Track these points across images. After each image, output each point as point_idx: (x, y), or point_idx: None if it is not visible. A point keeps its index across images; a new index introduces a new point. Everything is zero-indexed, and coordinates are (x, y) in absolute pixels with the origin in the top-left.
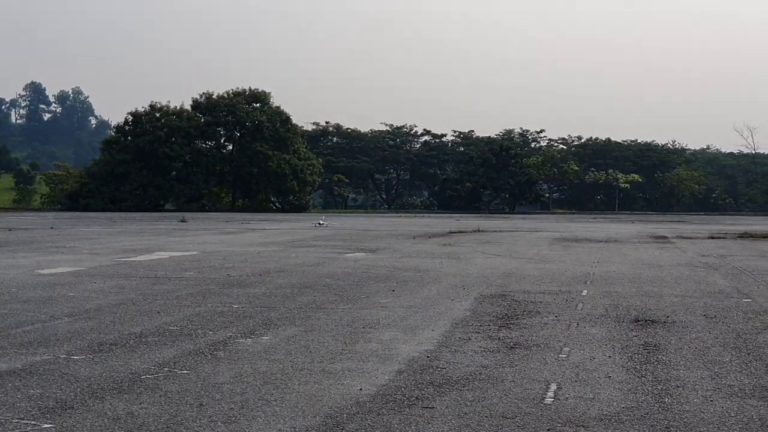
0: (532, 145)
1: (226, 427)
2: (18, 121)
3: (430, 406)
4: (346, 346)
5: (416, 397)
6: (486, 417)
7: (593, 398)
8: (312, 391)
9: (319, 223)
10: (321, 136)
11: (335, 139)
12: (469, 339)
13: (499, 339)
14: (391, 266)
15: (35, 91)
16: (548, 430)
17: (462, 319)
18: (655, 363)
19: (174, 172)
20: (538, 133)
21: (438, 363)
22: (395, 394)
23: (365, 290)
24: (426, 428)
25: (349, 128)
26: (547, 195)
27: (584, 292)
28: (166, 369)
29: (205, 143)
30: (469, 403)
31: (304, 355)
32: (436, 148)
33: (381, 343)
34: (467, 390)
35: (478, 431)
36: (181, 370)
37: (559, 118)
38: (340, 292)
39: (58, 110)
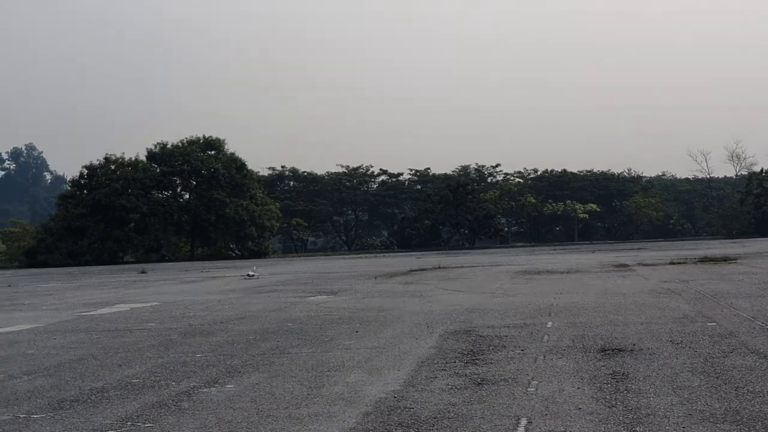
0: (489, 180)
1: None
2: None
3: None
4: (312, 390)
5: None
6: None
7: (564, 431)
8: None
9: (249, 275)
10: (278, 180)
11: (292, 183)
12: (436, 377)
13: (466, 375)
14: (353, 307)
15: None
16: None
17: (427, 357)
18: (625, 392)
19: (132, 224)
20: (493, 167)
21: (405, 403)
22: None
23: (328, 333)
24: None
25: (305, 171)
26: (506, 229)
27: (549, 324)
28: (129, 423)
29: (161, 193)
30: None
31: (270, 401)
32: (393, 188)
33: (347, 385)
34: (436, 429)
35: None
36: (144, 423)
37: (514, 152)
38: (303, 336)
39: (11, 167)
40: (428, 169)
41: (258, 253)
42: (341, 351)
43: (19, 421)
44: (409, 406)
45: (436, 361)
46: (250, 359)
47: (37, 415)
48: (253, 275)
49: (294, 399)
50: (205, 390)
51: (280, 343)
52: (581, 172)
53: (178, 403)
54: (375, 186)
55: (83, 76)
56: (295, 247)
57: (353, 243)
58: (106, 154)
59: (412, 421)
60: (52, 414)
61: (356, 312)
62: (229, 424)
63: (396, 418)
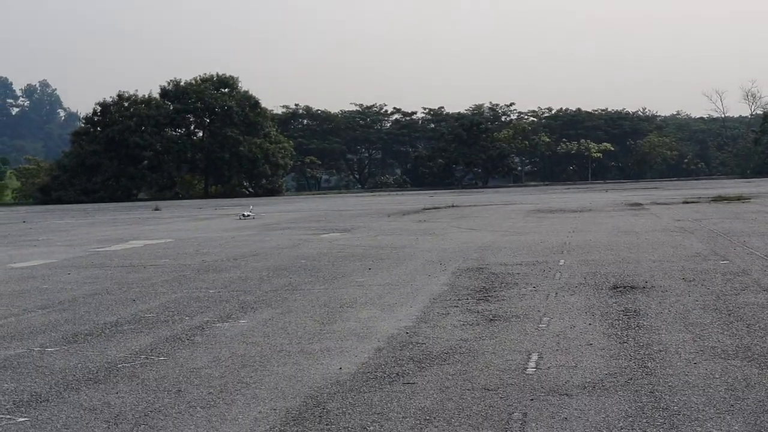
0: (503, 119)
1: (205, 412)
2: None
3: (411, 381)
4: (324, 326)
5: (397, 374)
6: (468, 390)
7: (575, 366)
8: (291, 373)
9: (243, 215)
10: (291, 119)
11: (306, 121)
12: (448, 313)
13: (478, 312)
14: (366, 245)
15: (2, 85)
16: (531, 400)
17: (440, 294)
18: (636, 328)
19: (145, 161)
20: (507, 106)
21: (417, 339)
22: (376, 372)
23: (341, 270)
24: (408, 404)
25: (319, 110)
26: (519, 168)
27: (561, 262)
28: (142, 357)
29: (175, 131)
30: (450, 377)
31: (282, 336)
32: (407, 126)
33: (359, 321)
34: (448, 364)
35: (461, 404)
36: (158, 357)
37: (529, 90)
38: (316, 273)
39: (25, 104)
40: (442, 107)
41: (271, 191)
42: (354, 288)
43: (33, 354)
44: (421, 341)
45: (448, 298)
46: (262, 295)
47: (51, 348)
48: (248, 215)
49: (306, 334)
50: (218, 325)
51: (292, 280)
52: (595, 111)
53: (192, 337)
54: (389, 124)
55: (97, 13)
56: (308, 185)
57: (366, 181)
58: (120, 91)
59: (424, 356)
60: (66, 347)
61: (369, 249)
62: (242, 358)
63: (408, 353)
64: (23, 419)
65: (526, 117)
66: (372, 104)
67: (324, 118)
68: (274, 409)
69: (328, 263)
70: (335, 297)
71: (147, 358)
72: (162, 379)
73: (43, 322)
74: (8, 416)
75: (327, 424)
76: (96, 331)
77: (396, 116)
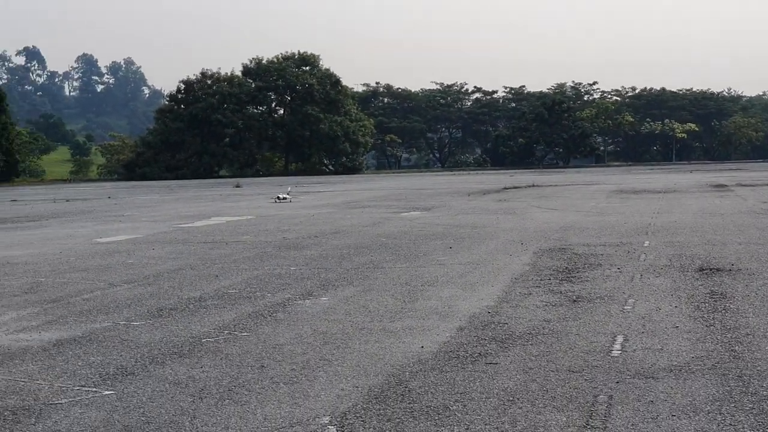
0: (585, 98)
1: (288, 388)
2: (72, 94)
3: (494, 362)
4: (406, 305)
5: (479, 354)
6: (552, 371)
7: (661, 349)
8: (373, 350)
9: (279, 198)
10: (372, 97)
11: (386, 99)
12: (530, 294)
13: (560, 293)
14: (447, 224)
15: (87, 63)
16: (617, 382)
17: (522, 274)
18: (723, 311)
19: (227, 139)
20: (590, 85)
21: (499, 318)
22: (458, 351)
23: (422, 248)
24: (491, 384)
25: (399, 88)
26: (601, 148)
27: (646, 243)
28: (226, 332)
29: (256, 108)
30: (533, 358)
31: (364, 314)
32: (488, 105)
33: (440, 300)
34: (531, 345)
35: (545, 386)
36: (241, 332)
37: (612, 69)
38: (397, 251)
39: (110, 81)
40: (523, 86)
41: (351, 169)
42: (435, 266)
43: (119, 327)
44: (503, 321)
45: (530, 278)
46: (343, 273)
47: (136, 322)
48: (285, 198)
49: (388, 312)
50: (299, 302)
51: (373, 258)
52: (680, 90)
53: (274, 314)
54: (469, 103)
55: None
56: (388, 164)
57: (446, 160)
58: (203, 69)
59: (506, 336)
60: (151, 321)
61: (450, 228)
62: (323, 335)
63: (490, 333)
64: (109, 392)
65: (609, 96)
66: (452, 83)
67: (404, 96)
68: (357, 387)
69: (408, 242)
70: (416, 275)
71: (230, 334)
72: (245, 355)
73: (128, 296)
74: (94, 389)
75: (409, 403)
76: (180, 305)
77: (477, 95)
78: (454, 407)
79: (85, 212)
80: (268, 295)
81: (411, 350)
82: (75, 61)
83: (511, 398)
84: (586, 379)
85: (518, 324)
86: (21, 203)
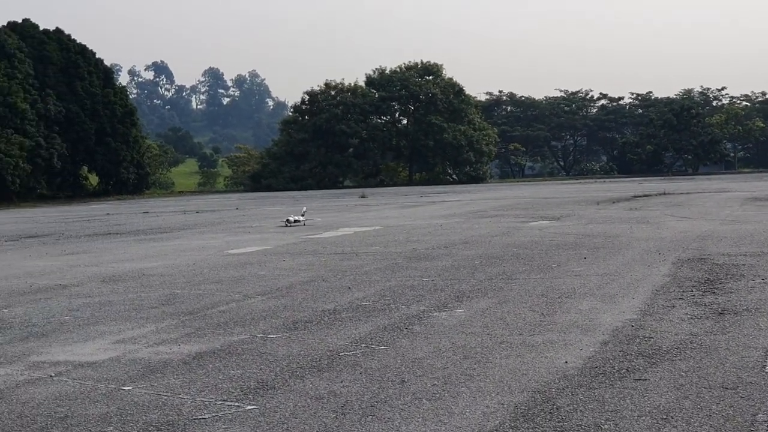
0: (714, 104)
1: (431, 404)
2: (199, 107)
3: (643, 378)
4: (544, 317)
5: (626, 369)
6: (705, 388)
7: None
8: (515, 365)
9: (289, 221)
10: (495, 105)
11: (509, 108)
12: (673, 306)
13: (705, 305)
14: (578, 233)
15: (214, 76)
16: None
17: (662, 286)
18: None
19: (351, 149)
20: (719, 90)
21: (644, 332)
22: (604, 367)
23: (555, 259)
24: (642, 402)
25: (522, 96)
26: (731, 154)
27: None
28: (363, 345)
29: (380, 118)
30: (683, 374)
31: (502, 327)
32: (613, 112)
33: (580, 313)
34: (679, 360)
35: (698, 403)
36: (379, 345)
37: (741, 74)
38: (530, 262)
39: (236, 94)
40: (650, 92)
41: (475, 178)
42: (571, 277)
43: (256, 340)
44: (648, 335)
45: (671, 290)
46: (477, 284)
47: (273, 335)
48: (298, 221)
49: (527, 325)
50: (435, 314)
51: (506, 269)
52: None
53: (410, 327)
54: (594, 110)
55: (304, 4)
56: (512, 173)
57: (571, 168)
58: (326, 80)
59: (653, 351)
60: (287, 334)
61: (582, 238)
62: (462, 349)
63: (636, 348)
64: (252, 407)
65: (738, 102)
66: (577, 90)
67: (528, 104)
68: (502, 404)
69: (541, 252)
70: (552, 287)
71: (368, 347)
72: (385, 369)
73: (263, 308)
74: (237, 404)
75: (558, 421)
76: (315, 318)
77: (602, 102)
78: (606, 426)
79: (214, 223)
80: (403, 307)
81: (555, 365)
82: (202, 75)
83: (664, 416)
84: (741, 397)
85: (664, 338)
86: (152, 215)
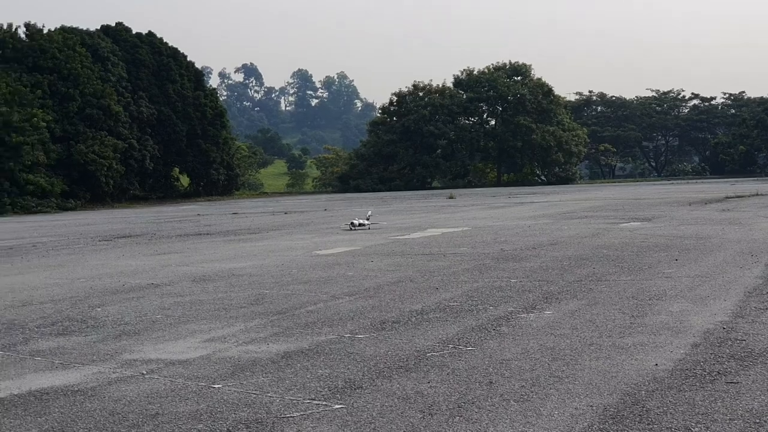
0: None
1: (519, 405)
2: (287, 108)
3: (735, 381)
4: (634, 319)
5: (718, 372)
6: None
7: None
8: (604, 368)
9: (353, 225)
10: (584, 105)
11: (599, 108)
12: (766, 308)
13: None
14: (669, 234)
15: (302, 78)
16: None
17: (755, 288)
18: None
19: (439, 150)
20: None
21: (736, 335)
22: (695, 369)
23: (646, 260)
24: (734, 405)
25: (613, 96)
26: None
27: None
28: (450, 346)
29: (468, 119)
30: None
31: (591, 329)
32: (705, 112)
33: (671, 314)
34: None
35: None
36: (466, 346)
37: None
38: (620, 263)
39: (324, 95)
40: (743, 92)
41: (565, 180)
42: (661, 279)
43: (344, 340)
44: (740, 338)
45: (764, 292)
46: (566, 285)
47: (360, 335)
48: (362, 225)
49: (616, 327)
50: (523, 315)
51: (596, 270)
52: None
53: (498, 328)
54: (686, 110)
55: (393, 5)
56: (602, 173)
57: (663, 169)
58: (414, 81)
59: (746, 353)
60: (374, 334)
61: (673, 239)
62: (551, 350)
63: (727, 350)
64: (339, 406)
65: None
66: (668, 90)
67: (618, 104)
68: (591, 406)
69: (631, 253)
70: (643, 289)
71: (455, 348)
72: (472, 370)
73: (350, 308)
74: (325, 402)
75: (648, 424)
76: (402, 318)
77: (694, 102)
78: (696, 429)
79: (302, 224)
80: (490, 308)
81: (645, 368)
82: (290, 77)
83: (757, 420)
84: None
85: (757, 341)
86: (242, 216)
